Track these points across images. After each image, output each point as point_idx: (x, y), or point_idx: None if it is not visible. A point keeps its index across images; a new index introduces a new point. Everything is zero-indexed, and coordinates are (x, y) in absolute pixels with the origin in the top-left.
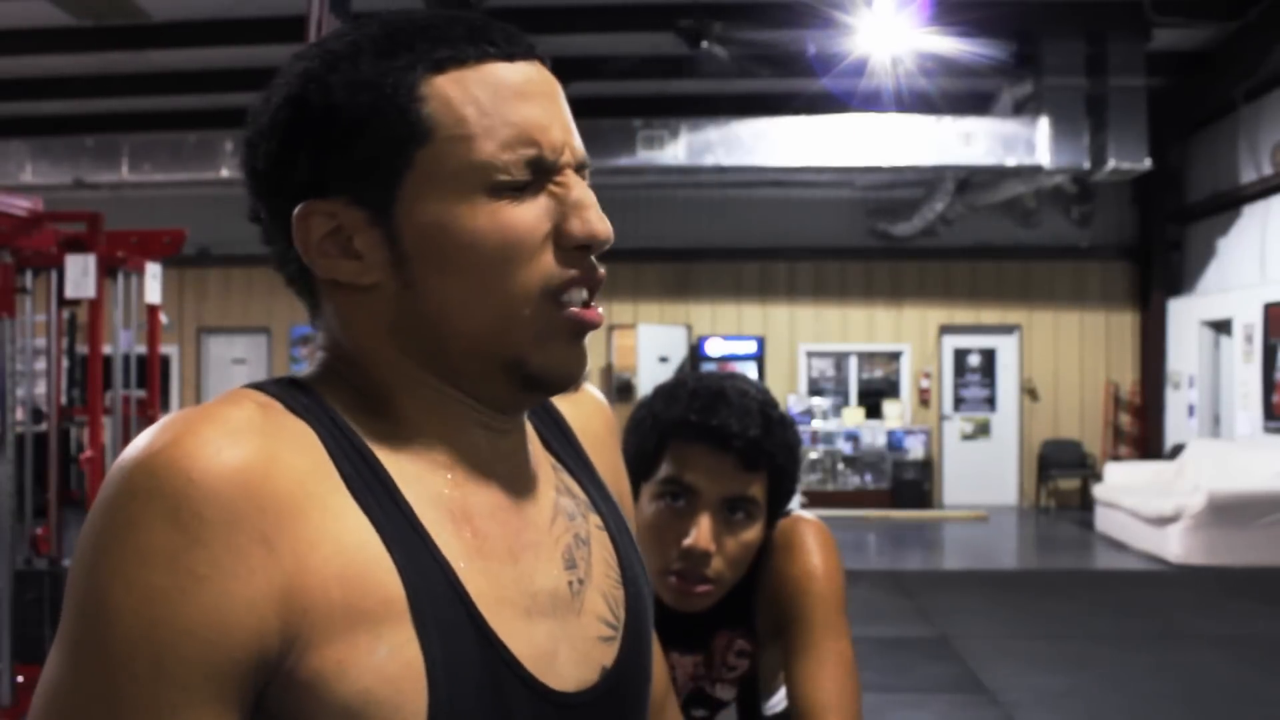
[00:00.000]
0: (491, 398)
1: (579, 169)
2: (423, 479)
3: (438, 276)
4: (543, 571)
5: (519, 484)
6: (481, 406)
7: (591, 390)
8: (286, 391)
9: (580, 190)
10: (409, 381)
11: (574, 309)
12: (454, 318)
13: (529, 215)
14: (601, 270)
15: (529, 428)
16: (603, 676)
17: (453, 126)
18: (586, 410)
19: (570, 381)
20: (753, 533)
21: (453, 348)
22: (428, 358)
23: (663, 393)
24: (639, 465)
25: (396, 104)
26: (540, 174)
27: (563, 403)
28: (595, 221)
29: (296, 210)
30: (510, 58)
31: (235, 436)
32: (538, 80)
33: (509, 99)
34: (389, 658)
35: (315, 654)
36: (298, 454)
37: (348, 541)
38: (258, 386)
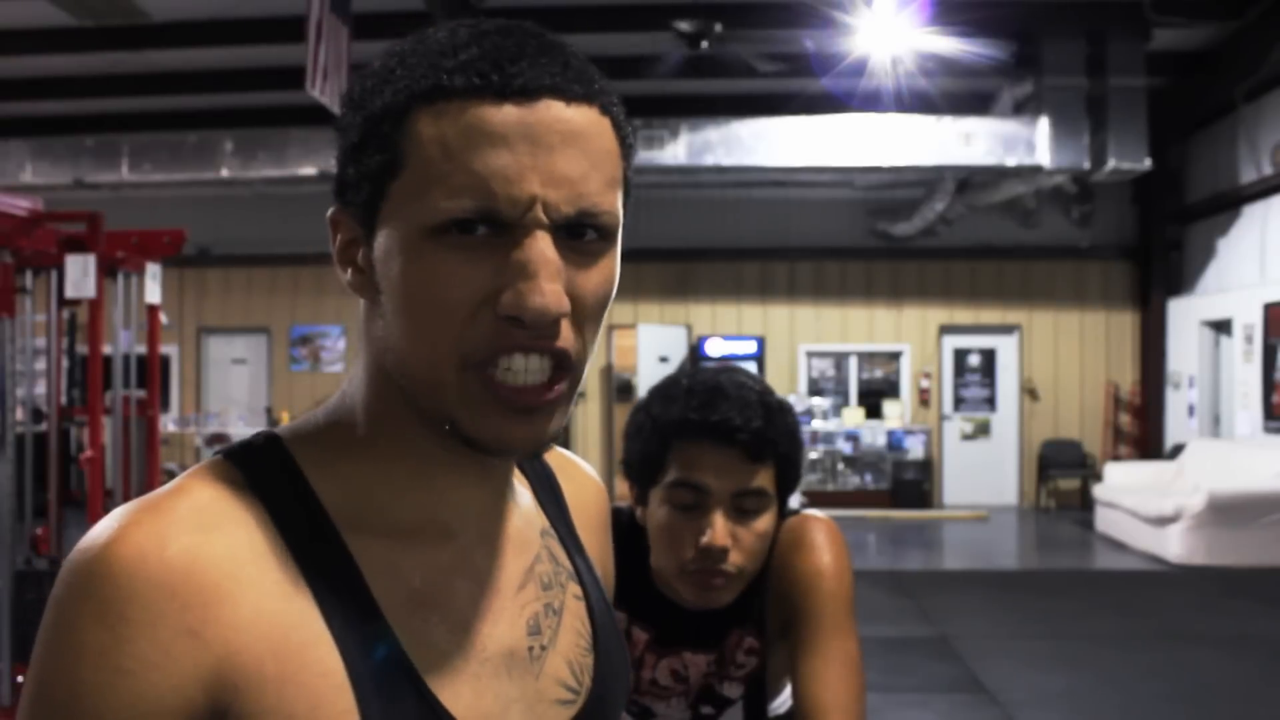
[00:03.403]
0: (455, 444)
1: (573, 227)
2: (380, 542)
3: (392, 315)
4: (499, 636)
5: (489, 543)
6: (454, 449)
7: (590, 473)
8: (257, 459)
9: (532, 255)
10: (392, 415)
11: (507, 386)
12: (406, 360)
13: (463, 272)
14: (562, 340)
15: (525, 485)
16: None
17: (418, 165)
18: (582, 488)
19: (512, 453)
20: (765, 522)
21: (410, 389)
22: (403, 392)
23: (659, 394)
24: (644, 470)
25: (382, 130)
26: (495, 229)
27: (560, 474)
28: (528, 294)
29: (328, 213)
30: (502, 95)
31: (167, 535)
32: (534, 124)
33: (479, 143)
34: None
35: None
36: (236, 540)
37: (284, 619)
38: (229, 455)
